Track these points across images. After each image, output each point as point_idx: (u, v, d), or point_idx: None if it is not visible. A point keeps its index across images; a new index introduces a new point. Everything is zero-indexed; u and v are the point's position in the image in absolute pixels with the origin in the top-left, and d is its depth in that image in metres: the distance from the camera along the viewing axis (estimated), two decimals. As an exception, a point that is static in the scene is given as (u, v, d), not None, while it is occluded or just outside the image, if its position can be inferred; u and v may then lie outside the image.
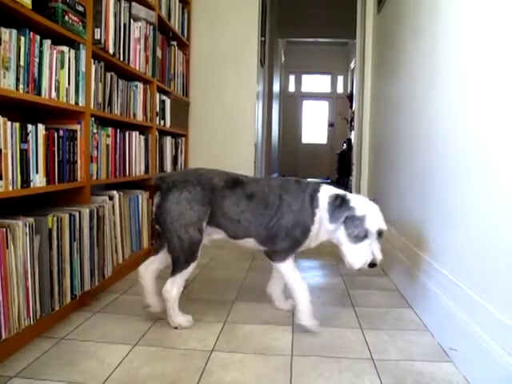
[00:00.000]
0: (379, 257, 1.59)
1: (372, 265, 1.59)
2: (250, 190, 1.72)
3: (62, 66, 1.75)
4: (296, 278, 1.73)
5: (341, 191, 1.71)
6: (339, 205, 1.61)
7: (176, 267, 1.68)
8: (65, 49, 1.76)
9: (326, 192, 1.69)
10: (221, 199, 1.70)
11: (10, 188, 1.43)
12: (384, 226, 1.61)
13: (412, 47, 2.38)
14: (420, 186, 2.09)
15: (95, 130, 2.03)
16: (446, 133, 1.74)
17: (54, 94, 1.70)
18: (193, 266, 1.71)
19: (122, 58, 2.31)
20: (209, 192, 1.69)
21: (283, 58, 8.21)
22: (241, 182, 1.74)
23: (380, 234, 1.61)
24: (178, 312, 1.71)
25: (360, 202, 1.63)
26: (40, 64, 1.61)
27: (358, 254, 1.59)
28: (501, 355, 1.18)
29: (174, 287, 1.67)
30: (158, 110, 2.92)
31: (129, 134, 2.44)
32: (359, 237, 1.58)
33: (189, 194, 1.66)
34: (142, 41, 2.61)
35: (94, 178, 2.03)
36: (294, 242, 1.71)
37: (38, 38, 1.58)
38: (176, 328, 1.69)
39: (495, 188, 1.30)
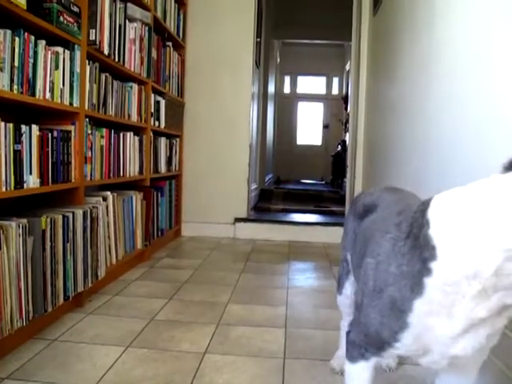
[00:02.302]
0: None
1: None
2: (367, 221, 1.10)
3: (57, 67, 1.75)
4: None
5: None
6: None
7: None
8: (59, 49, 1.76)
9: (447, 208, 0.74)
10: (355, 229, 1.22)
11: (4, 189, 1.43)
12: None
13: (407, 49, 2.39)
14: (413, 189, 2.10)
15: (89, 131, 2.02)
16: (442, 135, 1.75)
17: (48, 95, 1.70)
18: (338, 299, 1.41)
19: (116, 59, 2.31)
20: (350, 217, 1.28)
21: (278, 59, 8.21)
22: (375, 206, 1.12)
23: None
24: None
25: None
26: (34, 65, 1.61)
27: None
28: (492, 360, 1.19)
29: None
30: (152, 110, 2.92)
31: (123, 135, 2.44)
32: None
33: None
34: (138, 42, 2.60)
35: (88, 178, 2.03)
36: (368, 329, 0.85)
37: (32, 38, 1.58)
38: None
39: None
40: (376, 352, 0.87)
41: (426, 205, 0.79)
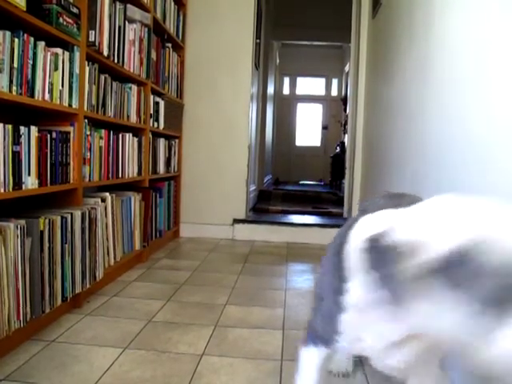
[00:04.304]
0: None
1: None
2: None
3: (56, 68, 1.75)
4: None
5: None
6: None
7: None
8: (59, 51, 1.76)
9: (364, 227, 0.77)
10: None
11: (2, 190, 1.43)
12: None
13: (406, 52, 2.40)
14: (411, 190, 2.10)
15: (88, 132, 2.02)
16: (440, 137, 1.76)
17: (47, 96, 1.70)
18: None
19: (116, 60, 2.31)
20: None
21: (278, 61, 8.22)
22: (363, 211, 0.99)
23: None
24: None
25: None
26: (34, 66, 1.61)
27: None
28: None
29: None
30: (151, 111, 2.92)
31: (122, 136, 2.44)
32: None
33: None
34: (137, 43, 2.60)
35: (87, 179, 2.03)
36: (316, 326, 0.92)
37: (31, 39, 1.58)
38: None
39: (495, 192, 1.30)
40: (325, 344, 0.90)
41: (353, 223, 0.81)
